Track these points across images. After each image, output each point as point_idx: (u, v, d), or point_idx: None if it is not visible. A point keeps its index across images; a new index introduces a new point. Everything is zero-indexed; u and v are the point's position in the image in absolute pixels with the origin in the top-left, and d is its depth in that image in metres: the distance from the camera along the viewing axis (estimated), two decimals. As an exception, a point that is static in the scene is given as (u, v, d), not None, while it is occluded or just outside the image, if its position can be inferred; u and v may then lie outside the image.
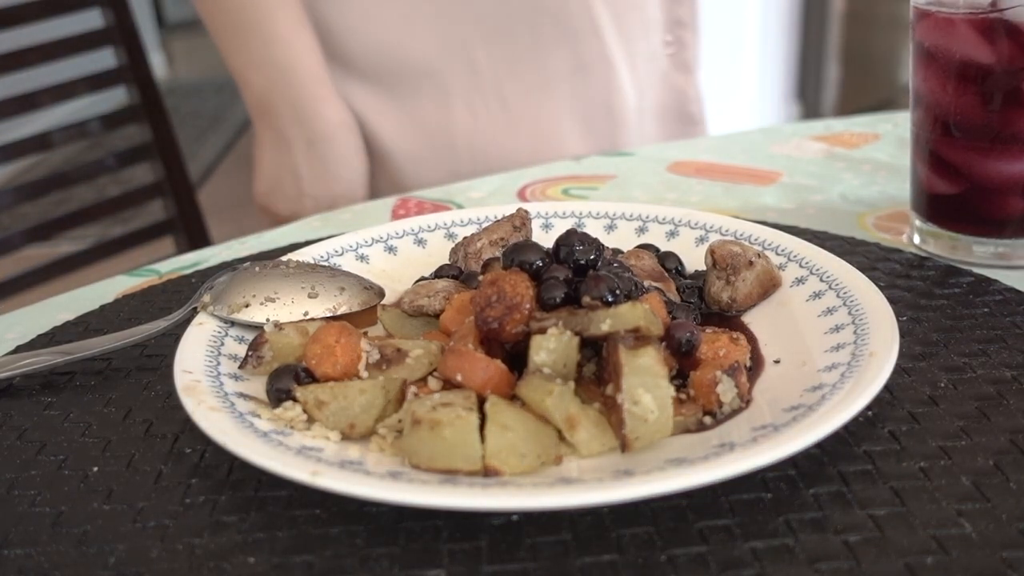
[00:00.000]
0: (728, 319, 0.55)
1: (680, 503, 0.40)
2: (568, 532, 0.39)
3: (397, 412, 0.45)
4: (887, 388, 0.48)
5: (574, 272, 0.49)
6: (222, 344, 0.52)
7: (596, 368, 0.46)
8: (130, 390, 0.52)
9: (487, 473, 0.40)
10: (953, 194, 0.64)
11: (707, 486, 0.39)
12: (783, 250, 0.58)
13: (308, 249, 0.62)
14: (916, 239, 0.67)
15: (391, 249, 0.63)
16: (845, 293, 0.52)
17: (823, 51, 3.51)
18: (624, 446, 0.42)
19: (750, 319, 0.55)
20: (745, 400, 0.46)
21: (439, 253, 0.63)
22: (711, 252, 0.56)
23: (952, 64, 0.61)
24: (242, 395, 0.47)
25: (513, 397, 0.44)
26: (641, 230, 0.64)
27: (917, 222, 0.67)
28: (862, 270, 0.53)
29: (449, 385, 0.46)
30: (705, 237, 0.62)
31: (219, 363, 0.50)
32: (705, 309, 0.56)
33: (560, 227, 0.64)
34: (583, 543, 0.38)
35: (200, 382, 0.46)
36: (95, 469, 0.45)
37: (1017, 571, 0.36)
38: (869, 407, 0.46)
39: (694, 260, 0.60)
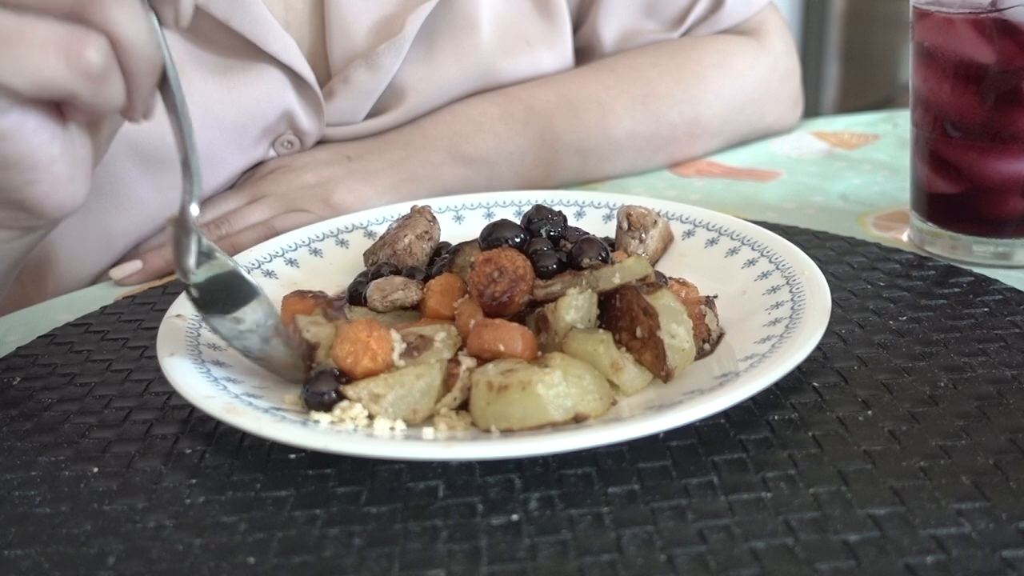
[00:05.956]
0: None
1: (680, 503, 0.40)
2: (568, 532, 0.39)
3: (450, 391, 0.46)
4: (886, 387, 0.48)
5: (552, 242, 0.54)
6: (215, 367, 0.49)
7: (602, 320, 0.50)
8: (130, 389, 0.52)
9: (578, 419, 0.43)
10: (953, 194, 0.64)
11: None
12: (687, 218, 0.63)
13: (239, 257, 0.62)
14: (916, 239, 0.67)
15: (316, 252, 0.64)
16: (759, 246, 0.58)
17: (823, 51, 3.51)
18: (667, 377, 0.47)
19: (665, 270, 0.58)
20: (719, 328, 0.52)
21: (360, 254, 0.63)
22: (627, 215, 0.60)
23: (952, 64, 0.61)
24: (279, 409, 0.46)
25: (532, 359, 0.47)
26: (578, 215, 0.66)
27: (917, 222, 0.67)
28: (862, 270, 0.53)
29: (479, 360, 0.47)
30: (610, 215, 0.66)
31: (226, 387, 0.47)
32: None
33: (470, 218, 0.67)
34: (583, 543, 0.38)
35: (233, 404, 0.44)
36: (95, 469, 0.45)
37: (1017, 571, 0.36)
38: (869, 407, 0.46)
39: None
